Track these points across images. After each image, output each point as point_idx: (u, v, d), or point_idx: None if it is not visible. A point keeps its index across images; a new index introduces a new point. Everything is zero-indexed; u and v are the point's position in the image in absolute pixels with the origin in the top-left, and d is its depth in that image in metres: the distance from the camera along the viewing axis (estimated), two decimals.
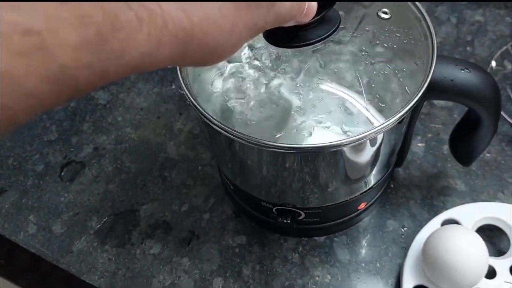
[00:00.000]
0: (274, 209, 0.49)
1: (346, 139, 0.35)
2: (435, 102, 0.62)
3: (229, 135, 0.36)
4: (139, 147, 0.63)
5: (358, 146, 0.38)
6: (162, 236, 0.55)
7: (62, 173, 0.62)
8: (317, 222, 0.50)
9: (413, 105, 0.36)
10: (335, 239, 0.53)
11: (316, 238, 0.53)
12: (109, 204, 0.59)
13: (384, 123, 0.35)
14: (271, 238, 0.54)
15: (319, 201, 0.46)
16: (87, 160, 0.62)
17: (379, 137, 0.39)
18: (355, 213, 0.51)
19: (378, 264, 0.51)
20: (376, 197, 0.52)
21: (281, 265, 0.52)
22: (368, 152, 0.41)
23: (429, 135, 0.59)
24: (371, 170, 0.45)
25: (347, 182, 0.45)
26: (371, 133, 0.35)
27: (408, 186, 0.56)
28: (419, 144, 0.59)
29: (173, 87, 0.68)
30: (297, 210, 0.48)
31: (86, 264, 0.54)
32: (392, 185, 0.56)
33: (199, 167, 0.60)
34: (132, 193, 0.59)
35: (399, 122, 0.36)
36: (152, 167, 0.61)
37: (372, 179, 0.47)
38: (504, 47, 0.65)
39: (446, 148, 0.57)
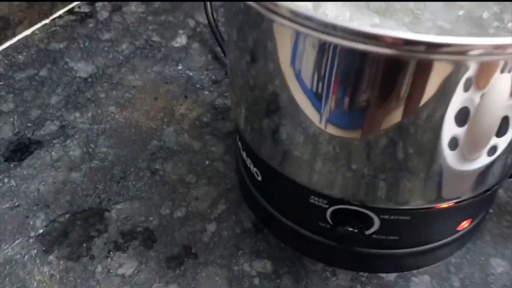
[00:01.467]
0: (329, 210, 0.30)
1: None
2: None
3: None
4: (124, 130, 0.45)
5: None
6: (140, 250, 0.36)
7: (8, 152, 0.42)
8: (393, 244, 0.31)
9: None
10: (413, 279, 0.34)
11: (383, 275, 0.34)
12: (67, 198, 0.39)
13: None
14: (311, 269, 0.34)
15: (412, 198, 0.28)
16: (47, 140, 0.44)
17: None
18: (450, 238, 0.33)
19: None
20: (481, 217, 0.34)
21: None
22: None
23: None
24: (497, 152, 0.27)
25: (465, 162, 0.27)
26: None
27: None
28: None
29: (180, 67, 0.51)
30: (369, 213, 0.29)
31: (13, 280, 0.34)
32: (491, 210, 0.38)
33: (206, 162, 0.42)
34: (104, 187, 0.40)
35: None
36: (137, 156, 0.42)
37: (496, 175, 0.29)
38: None
39: None
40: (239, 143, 0.35)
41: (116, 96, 0.48)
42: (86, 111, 0.46)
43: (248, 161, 0.34)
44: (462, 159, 0.26)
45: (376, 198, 0.28)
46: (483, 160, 0.26)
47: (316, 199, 0.30)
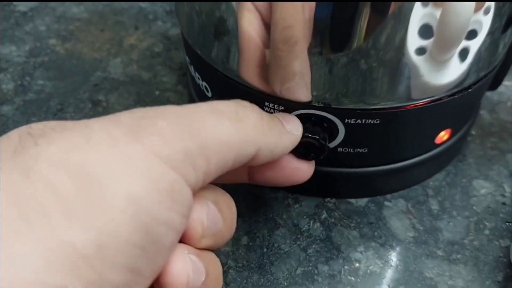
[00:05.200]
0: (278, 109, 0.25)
1: None
2: None
3: None
4: (64, 62, 0.40)
5: None
6: None
7: None
8: (361, 159, 0.27)
9: None
10: (386, 203, 0.30)
11: (353, 200, 0.30)
12: None
13: None
14: (271, 196, 0.30)
15: (380, 96, 0.24)
16: None
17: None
18: (427, 154, 0.29)
19: (468, 247, 0.27)
20: (462, 133, 0.30)
21: (289, 240, 0.28)
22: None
23: None
24: (468, 54, 0.23)
25: (437, 55, 0.23)
26: None
27: (500, 134, 0.34)
28: (507, 83, 0.38)
29: None
30: (332, 117, 0.25)
31: None
32: (473, 132, 0.34)
33: (157, 92, 0.37)
34: (38, 119, 0.35)
35: None
36: (78, 88, 0.37)
37: (470, 74, 0.25)
38: None
39: None
40: (187, 58, 0.30)
41: (58, 29, 0.43)
42: (23, 44, 0.41)
43: (197, 76, 0.30)
44: (431, 55, 0.22)
45: (339, 97, 0.24)
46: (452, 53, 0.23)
47: (271, 105, 0.25)
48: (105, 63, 0.40)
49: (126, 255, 0.14)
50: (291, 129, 0.22)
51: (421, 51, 0.22)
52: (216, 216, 0.19)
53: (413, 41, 0.21)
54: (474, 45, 0.23)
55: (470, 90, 0.25)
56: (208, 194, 0.19)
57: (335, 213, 0.29)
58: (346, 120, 0.25)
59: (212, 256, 0.19)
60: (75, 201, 0.14)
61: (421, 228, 0.28)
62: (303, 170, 0.23)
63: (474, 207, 0.29)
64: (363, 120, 0.25)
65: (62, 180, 0.14)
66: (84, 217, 0.14)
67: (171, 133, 0.16)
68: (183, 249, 0.18)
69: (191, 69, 0.30)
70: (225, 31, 0.24)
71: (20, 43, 0.42)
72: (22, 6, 0.45)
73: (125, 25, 0.43)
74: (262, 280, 0.26)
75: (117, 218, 0.14)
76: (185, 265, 0.17)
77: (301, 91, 0.24)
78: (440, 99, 0.25)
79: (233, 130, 0.18)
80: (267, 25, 0.22)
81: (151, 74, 0.39)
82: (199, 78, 0.29)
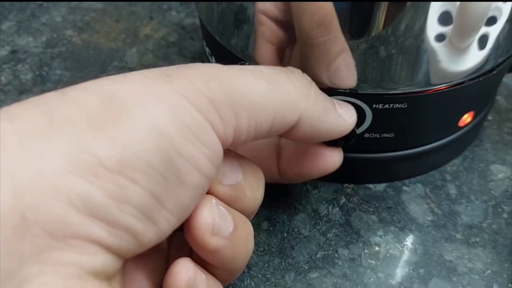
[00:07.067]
0: None
1: None
2: None
3: None
4: (81, 53, 0.40)
5: None
6: None
7: None
8: (386, 145, 0.27)
9: None
10: (405, 188, 0.30)
11: (371, 185, 0.30)
12: None
13: None
14: (290, 184, 0.30)
15: (407, 80, 0.24)
16: None
17: None
18: (449, 138, 0.29)
19: (486, 230, 0.28)
20: (483, 115, 0.30)
21: (309, 225, 0.28)
22: None
23: None
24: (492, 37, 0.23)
25: (459, 38, 0.23)
26: None
27: None
28: None
29: None
30: (360, 103, 0.25)
31: None
32: (490, 117, 0.34)
33: None
34: None
35: None
36: (96, 77, 0.38)
37: (493, 57, 0.25)
38: None
39: None
40: (207, 49, 0.31)
41: (74, 19, 0.43)
42: (40, 35, 0.42)
43: (213, 61, 0.30)
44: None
45: (367, 82, 0.24)
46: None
47: None
48: (121, 53, 0.40)
49: (147, 176, 0.15)
50: (342, 113, 0.21)
51: (441, 37, 0.22)
52: (236, 168, 0.19)
53: (433, 28, 0.22)
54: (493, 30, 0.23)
55: (494, 72, 0.25)
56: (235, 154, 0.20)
57: (354, 198, 0.29)
58: (374, 105, 0.25)
59: (241, 215, 0.20)
60: (101, 118, 0.15)
61: (439, 212, 0.29)
62: (334, 158, 0.23)
63: (492, 191, 0.30)
64: (391, 105, 0.25)
65: (91, 100, 0.15)
66: (109, 132, 0.14)
67: (200, 81, 0.16)
68: (210, 197, 0.18)
69: (212, 60, 0.30)
70: (243, 19, 0.24)
71: (37, 34, 0.42)
72: None
73: (139, 15, 0.44)
74: (283, 264, 0.26)
75: (141, 139, 0.15)
76: (211, 209, 0.18)
77: (322, 74, 0.24)
78: (463, 82, 0.25)
79: (269, 89, 0.18)
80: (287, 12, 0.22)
81: (167, 64, 0.39)
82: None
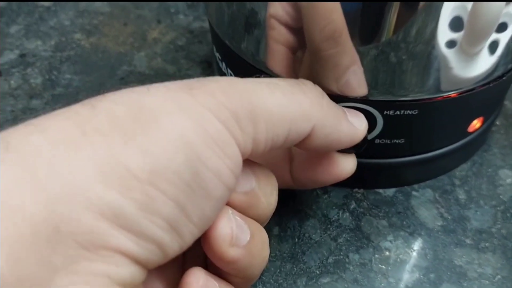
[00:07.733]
0: None
1: None
2: None
3: None
4: (90, 56, 0.40)
5: None
6: None
7: None
8: (396, 150, 0.28)
9: None
10: (414, 193, 0.30)
11: (381, 191, 0.30)
12: None
13: None
14: (300, 189, 0.31)
15: (418, 87, 0.24)
16: (5, 69, 0.39)
17: None
18: (459, 143, 0.29)
19: (496, 235, 0.28)
20: (491, 120, 0.30)
21: (319, 230, 0.28)
22: None
23: None
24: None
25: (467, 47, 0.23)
26: None
27: None
28: None
29: None
30: (370, 109, 0.25)
31: None
32: (498, 123, 0.34)
33: None
34: None
35: None
36: (105, 82, 0.38)
37: (503, 63, 0.25)
38: None
39: None
40: (217, 54, 0.31)
41: (82, 23, 0.44)
42: (49, 39, 0.42)
43: (229, 73, 0.30)
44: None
45: (377, 89, 0.24)
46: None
47: None
48: (130, 57, 0.40)
49: (175, 188, 0.15)
50: (353, 122, 0.22)
51: (451, 44, 0.22)
52: (249, 175, 0.20)
53: (444, 34, 0.22)
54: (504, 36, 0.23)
55: (504, 78, 0.26)
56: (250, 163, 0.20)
57: (364, 203, 0.30)
58: (385, 112, 0.25)
59: (256, 224, 0.20)
60: (132, 129, 0.15)
61: (449, 217, 0.29)
62: (348, 164, 0.23)
63: (501, 196, 0.30)
64: (402, 111, 0.25)
65: (121, 110, 0.15)
66: (140, 143, 0.15)
67: (221, 94, 0.17)
68: (227, 208, 0.18)
69: (222, 65, 0.30)
70: (253, 24, 0.24)
71: (46, 37, 0.42)
72: (44, 1, 0.46)
73: (147, 19, 0.44)
74: (295, 269, 0.27)
75: (170, 149, 0.15)
76: (228, 220, 0.18)
77: (332, 85, 0.24)
78: (473, 88, 0.25)
79: (284, 101, 0.18)
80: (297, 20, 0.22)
81: (175, 68, 0.39)
82: (231, 74, 0.30)
